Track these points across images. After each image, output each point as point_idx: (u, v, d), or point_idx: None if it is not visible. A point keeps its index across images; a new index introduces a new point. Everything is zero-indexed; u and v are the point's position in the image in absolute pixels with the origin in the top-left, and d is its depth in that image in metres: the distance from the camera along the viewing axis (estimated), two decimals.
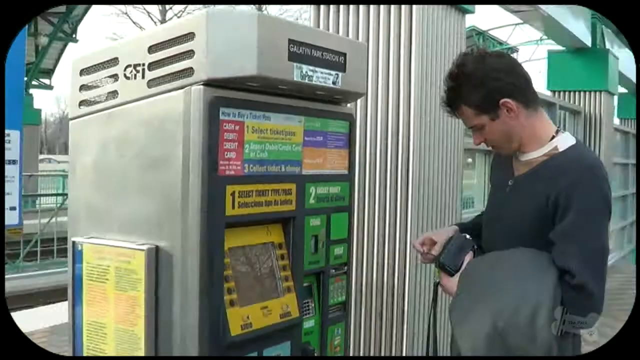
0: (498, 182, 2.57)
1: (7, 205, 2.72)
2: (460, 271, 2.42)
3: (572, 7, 7.76)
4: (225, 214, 2.39)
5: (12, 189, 2.75)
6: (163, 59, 2.40)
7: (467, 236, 2.53)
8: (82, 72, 2.63)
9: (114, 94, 2.53)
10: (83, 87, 2.63)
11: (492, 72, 2.33)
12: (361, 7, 3.91)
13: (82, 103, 2.63)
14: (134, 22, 31.34)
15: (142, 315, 2.38)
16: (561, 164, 2.32)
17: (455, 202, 4.32)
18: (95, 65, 2.59)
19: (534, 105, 2.41)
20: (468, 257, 2.46)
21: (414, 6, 3.78)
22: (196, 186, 2.32)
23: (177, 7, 33.38)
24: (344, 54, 2.80)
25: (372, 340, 3.93)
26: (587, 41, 8.45)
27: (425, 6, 3.82)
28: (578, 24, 8.03)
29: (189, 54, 2.34)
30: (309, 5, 4.09)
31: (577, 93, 8.57)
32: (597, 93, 8.48)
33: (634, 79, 11.02)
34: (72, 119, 2.68)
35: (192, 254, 2.33)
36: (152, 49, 2.43)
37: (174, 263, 2.37)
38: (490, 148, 2.52)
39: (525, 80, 2.39)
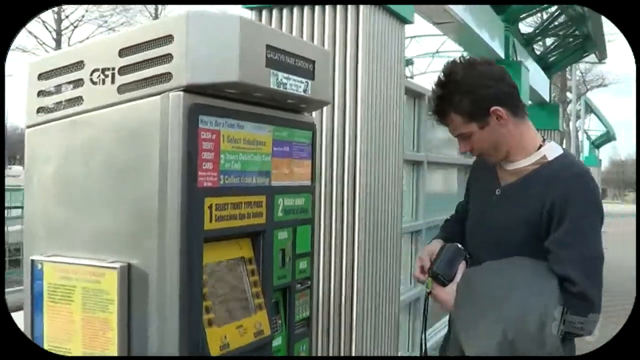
0: (482, 191, 2.54)
1: None
2: (455, 281, 2.38)
3: (487, 19, 7.92)
4: (204, 228, 2.25)
5: None
6: (136, 62, 2.22)
7: (459, 245, 2.49)
8: (41, 76, 2.40)
9: (78, 100, 2.32)
10: (42, 93, 2.41)
11: (482, 79, 2.30)
12: (305, 14, 3.82)
13: (40, 110, 2.41)
14: (29, 32, 29.92)
15: (115, 338, 2.20)
16: (553, 173, 2.32)
17: (397, 211, 4.29)
18: (56, 69, 2.37)
19: (521, 114, 2.40)
20: (461, 267, 2.42)
21: (360, 16, 3.71)
22: (175, 199, 2.16)
23: (74, 17, 32.29)
24: (313, 62, 2.70)
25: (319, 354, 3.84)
26: (501, 53, 8.65)
27: (370, 16, 3.75)
28: (492, 36, 8.19)
29: (167, 57, 2.18)
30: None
31: None
32: None
33: (539, 91, 11.37)
34: (29, 127, 2.45)
35: (170, 272, 2.17)
36: (123, 52, 2.25)
37: (149, 282, 2.20)
38: (475, 156, 2.49)
39: (514, 88, 2.37)
